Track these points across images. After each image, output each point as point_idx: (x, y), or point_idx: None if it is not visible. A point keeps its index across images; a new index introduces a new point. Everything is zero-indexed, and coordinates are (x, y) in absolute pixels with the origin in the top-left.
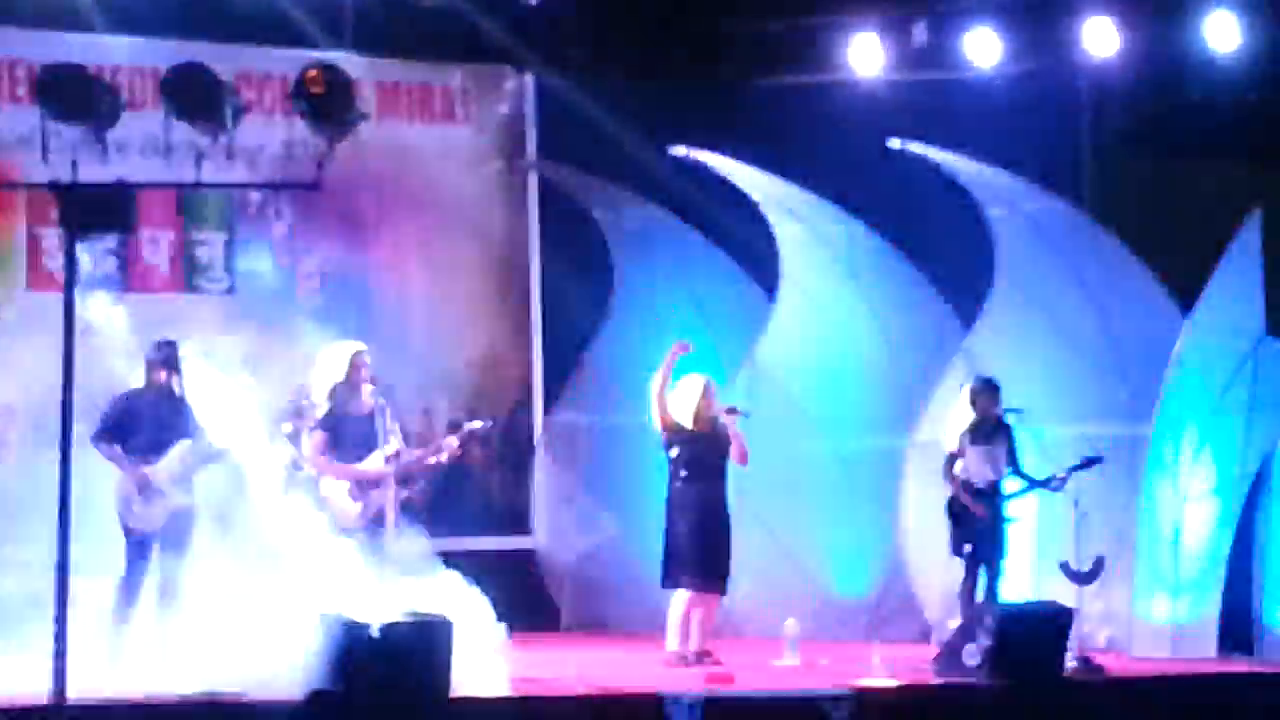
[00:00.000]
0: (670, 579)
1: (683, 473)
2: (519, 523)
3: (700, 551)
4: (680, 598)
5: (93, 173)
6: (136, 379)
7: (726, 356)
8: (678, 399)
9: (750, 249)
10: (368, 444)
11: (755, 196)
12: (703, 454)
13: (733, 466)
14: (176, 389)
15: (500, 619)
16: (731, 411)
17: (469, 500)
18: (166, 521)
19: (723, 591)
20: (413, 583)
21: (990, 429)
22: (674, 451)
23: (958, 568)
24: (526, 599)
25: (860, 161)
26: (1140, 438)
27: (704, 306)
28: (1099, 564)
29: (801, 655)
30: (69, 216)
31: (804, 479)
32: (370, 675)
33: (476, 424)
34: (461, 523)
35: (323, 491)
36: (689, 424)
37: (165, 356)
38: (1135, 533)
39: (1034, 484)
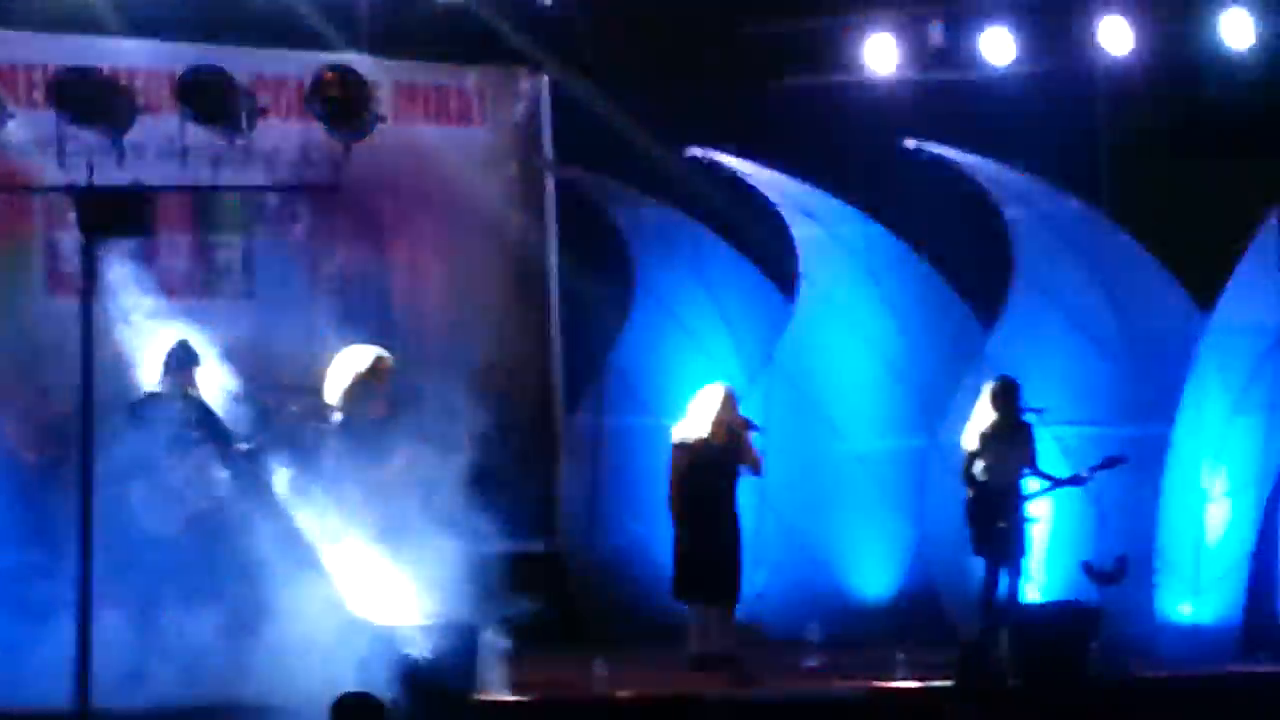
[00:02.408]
0: (681, 592)
1: (692, 486)
2: (543, 527)
3: (711, 564)
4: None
5: (109, 176)
6: (154, 383)
7: (745, 358)
8: (697, 407)
9: (768, 250)
10: (386, 448)
11: (772, 198)
12: (714, 466)
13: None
14: (194, 393)
15: (524, 623)
16: (748, 426)
17: (492, 505)
18: (186, 525)
19: (734, 601)
20: (429, 585)
21: (1011, 429)
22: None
23: (979, 568)
24: (550, 603)
25: (877, 162)
26: (1161, 437)
27: (722, 307)
28: (1122, 564)
29: (824, 657)
30: (87, 220)
31: (825, 480)
32: (397, 679)
33: None
34: (485, 527)
35: (341, 495)
36: (705, 433)
37: (183, 360)
38: (1157, 533)
39: (1055, 484)
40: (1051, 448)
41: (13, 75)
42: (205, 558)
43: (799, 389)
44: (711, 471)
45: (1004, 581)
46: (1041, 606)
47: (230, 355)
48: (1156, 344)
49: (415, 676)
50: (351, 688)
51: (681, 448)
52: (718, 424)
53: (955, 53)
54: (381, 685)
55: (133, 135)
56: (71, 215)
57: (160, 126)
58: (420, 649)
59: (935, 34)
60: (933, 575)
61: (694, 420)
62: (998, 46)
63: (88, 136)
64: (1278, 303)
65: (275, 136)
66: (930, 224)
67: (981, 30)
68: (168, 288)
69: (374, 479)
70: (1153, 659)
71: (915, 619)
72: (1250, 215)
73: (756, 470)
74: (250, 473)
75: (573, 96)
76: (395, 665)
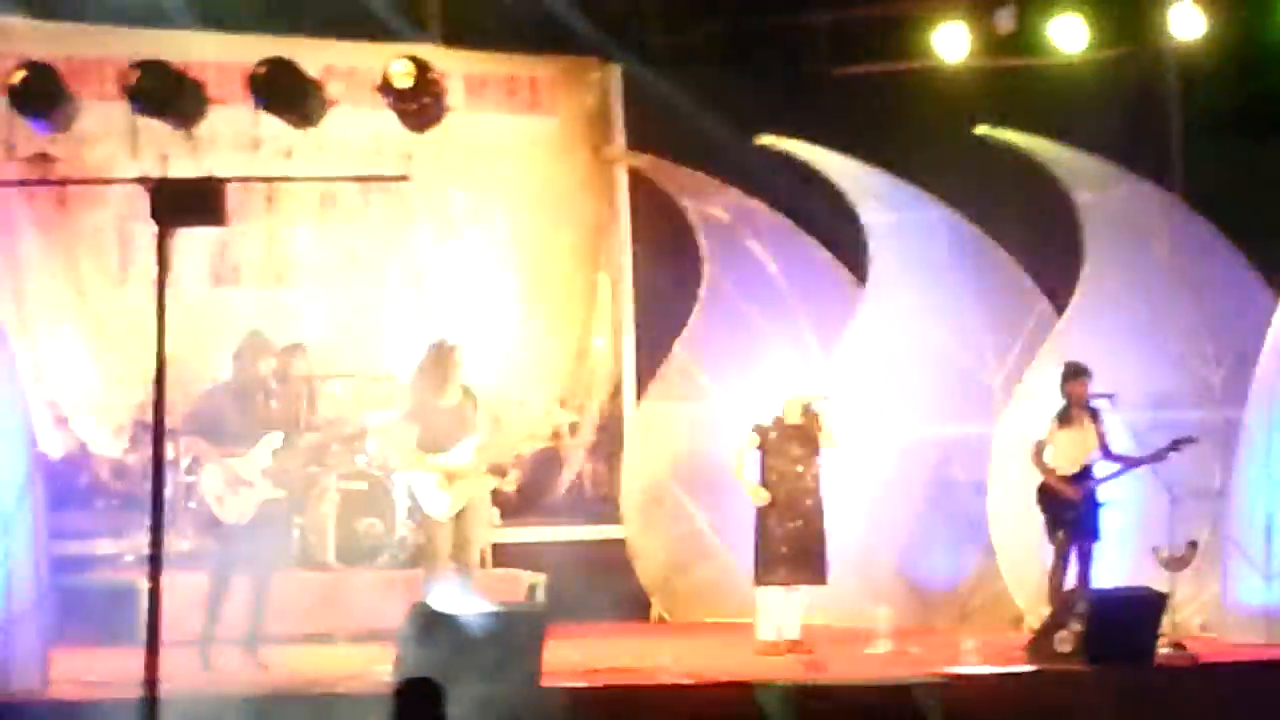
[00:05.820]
0: (765, 576)
1: (771, 469)
2: (610, 512)
3: (793, 546)
4: (773, 587)
5: (182, 167)
6: (226, 372)
7: (815, 343)
8: (767, 391)
9: (838, 236)
10: (457, 435)
11: (842, 184)
12: (792, 446)
13: (825, 455)
14: (267, 381)
15: (592, 608)
16: (820, 398)
17: (560, 490)
18: (257, 513)
19: (820, 581)
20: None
21: (1080, 414)
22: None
23: (1049, 554)
24: (618, 588)
25: (947, 148)
26: (1233, 421)
27: (791, 293)
28: (1192, 549)
29: (893, 643)
30: (160, 211)
31: (894, 466)
32: (462, 664)
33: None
34: (553, 512)
35: (413, 483)
36: (779, 414)
37: (255, 349)
38: (1228, 517)
39: (1125, 467)
40: (1122, 432)
41: (86, 68)
42: (274, 543)
43: (868, 374)
44: (790, 452)
45: (1074, 567)
46: (1112, 591)
47: (302, 345)
48: (1228, 327)
49: (480, 662)
50: (414, 673)
51: (758, 432)
52: (790, 405)
53: (1025, 38)
54: (445, 671)
55: (205, 126)
56: (145, 206)
57: (233, 118)
58: (486, 635)
59: (1005, 19)
60: (1002, 561)
61: (766, 404)
62: (1068, 31)
63: (161, 128)
64: None
65: (346, 126)
66: (1001, 209)
67: (1051, 15)
68: (240, 277)
69: (444, 466)
70: (1222, 643)
71: (984, 605)
72: None
73: (833, 444)
74: (319, 461)
75: (642, 85)
76: (459, 651)
